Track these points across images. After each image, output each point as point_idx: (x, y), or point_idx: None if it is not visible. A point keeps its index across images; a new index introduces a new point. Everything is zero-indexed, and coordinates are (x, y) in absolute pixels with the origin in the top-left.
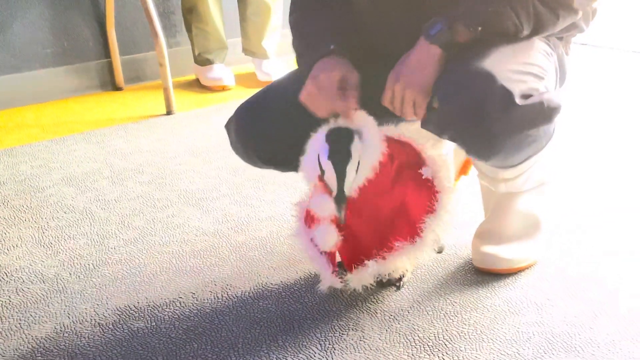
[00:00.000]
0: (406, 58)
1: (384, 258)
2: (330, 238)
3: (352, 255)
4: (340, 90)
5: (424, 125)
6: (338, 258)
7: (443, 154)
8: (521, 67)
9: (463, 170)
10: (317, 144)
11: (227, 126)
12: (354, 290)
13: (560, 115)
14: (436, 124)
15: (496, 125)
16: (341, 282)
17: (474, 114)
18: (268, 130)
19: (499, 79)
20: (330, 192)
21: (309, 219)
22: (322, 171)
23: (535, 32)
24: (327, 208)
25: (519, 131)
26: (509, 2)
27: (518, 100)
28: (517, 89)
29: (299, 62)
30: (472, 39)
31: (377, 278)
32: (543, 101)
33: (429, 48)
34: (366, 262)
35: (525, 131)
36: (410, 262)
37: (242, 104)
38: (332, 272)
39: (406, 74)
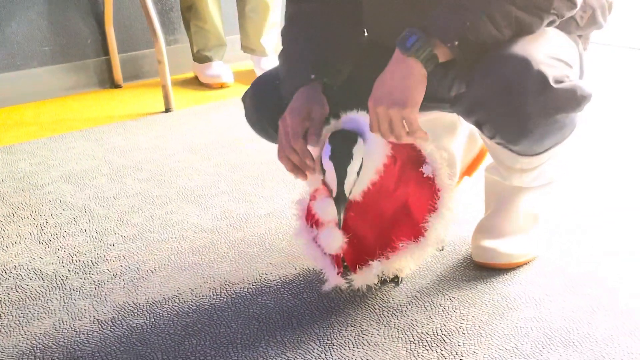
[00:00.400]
0: (382, 76)
1: (387, 258)
2: (336, 241)
3: (356, 255)
4: (305, 130)
5: (453, 107)
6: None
7: (446, 151)
8: (553, 54)
9: (468, 171)
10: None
11: (244, 98)
12: (358, 289)
13: (589, 104)
14: (467, 104)
15: (531, 106)
16: (346, 282)
17: (509, 94)
18: (283, 102)
19: (534, 63)
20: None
21: (310, 218)
22: (323, 171)
23: (518, 36)
24: (331, 212)
25: (551, 115)
26: (487, 12)
27: (553, 84)
28: (551, 73)
29: (281, 85)
30: (450, 53)
31: (382, 278)
32: (575, 88)
33: (405, 61)
34: (370, 262)
35: (557, 115)
36: (415, 261)
37: (260, 76)
38: (338, 273)
39: (386, 93)
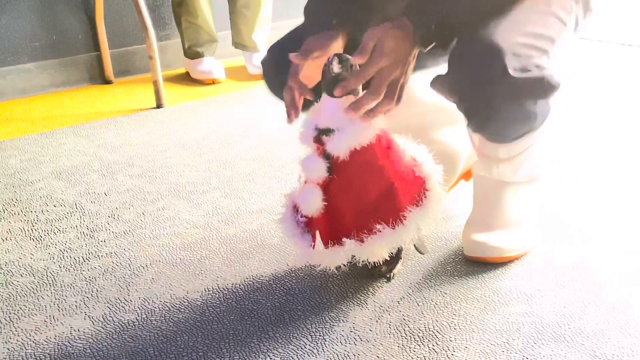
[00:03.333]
0: None
1: (362, 240)
2: (314, 200)
3: (331, 231)
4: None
5: (433, 87)
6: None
7: (450, 147)
8: (529, 40)
9: (466, 175)
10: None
11: (263, 62)
12: (327, 270)
13: (558, 93)
14: (444, 86)
15: (494, 92)
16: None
17: (475, 80)
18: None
19: (501, 52)
20: (323, 154)
21: (297, 209)
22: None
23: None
24: (316, 169)
25: (515, 101)
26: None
27: (514, 73)
28: (516, 63)
29: (304, 35)
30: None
31: (352, 261)
32: (543, 77)
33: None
34: (344, 240)
35: (521, 101)
36: (388, 248)
37: (280, 39)
38: (312, 246)
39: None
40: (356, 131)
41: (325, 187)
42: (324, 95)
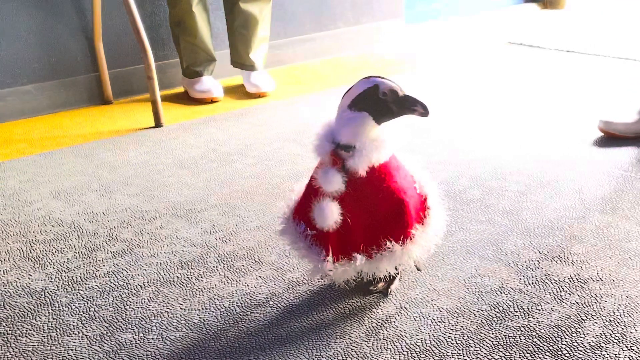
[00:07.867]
0: None
1: (370, 256)
2: (332, 214)
3: (341, 245)
4: None
5: None
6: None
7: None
8: None
9: None
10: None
11: None
12: (337, 284)
13: None
14: None
15: None
16: (329, 271)
17: None
18: None
19: None
20: (342, 169)
21: (297, 216)
22: None
23: None
24: (336, 182)
25: None
26: None
27: None
28: None
29: None
30: None
31: (359, 277)
32: None
33: None
34: (354, 254)
35: None
36: (396, 265)
37: None
38: (324, 259)
39: None
40: (377, 149)
41: (340, 201)
42: (348, 112)
